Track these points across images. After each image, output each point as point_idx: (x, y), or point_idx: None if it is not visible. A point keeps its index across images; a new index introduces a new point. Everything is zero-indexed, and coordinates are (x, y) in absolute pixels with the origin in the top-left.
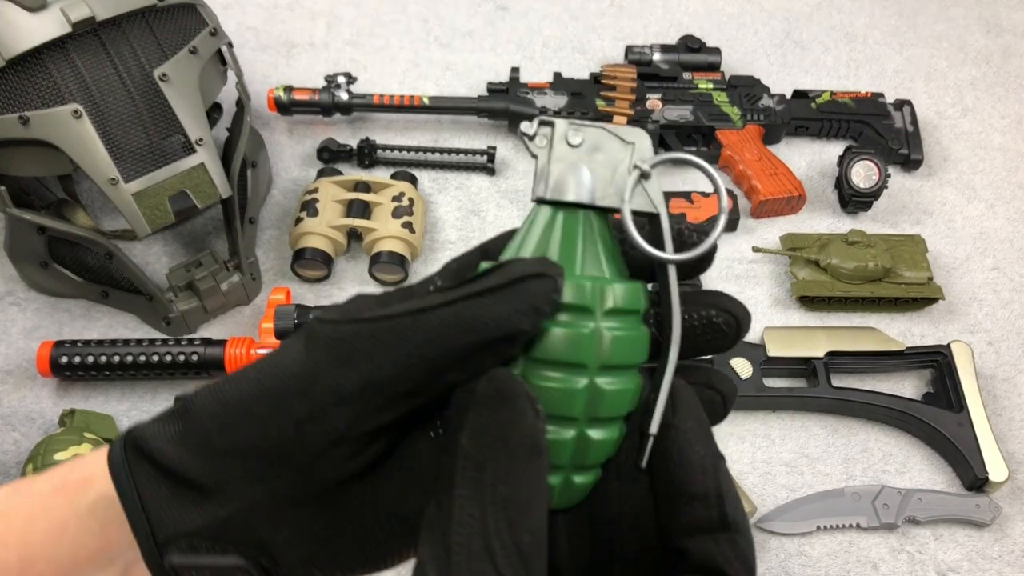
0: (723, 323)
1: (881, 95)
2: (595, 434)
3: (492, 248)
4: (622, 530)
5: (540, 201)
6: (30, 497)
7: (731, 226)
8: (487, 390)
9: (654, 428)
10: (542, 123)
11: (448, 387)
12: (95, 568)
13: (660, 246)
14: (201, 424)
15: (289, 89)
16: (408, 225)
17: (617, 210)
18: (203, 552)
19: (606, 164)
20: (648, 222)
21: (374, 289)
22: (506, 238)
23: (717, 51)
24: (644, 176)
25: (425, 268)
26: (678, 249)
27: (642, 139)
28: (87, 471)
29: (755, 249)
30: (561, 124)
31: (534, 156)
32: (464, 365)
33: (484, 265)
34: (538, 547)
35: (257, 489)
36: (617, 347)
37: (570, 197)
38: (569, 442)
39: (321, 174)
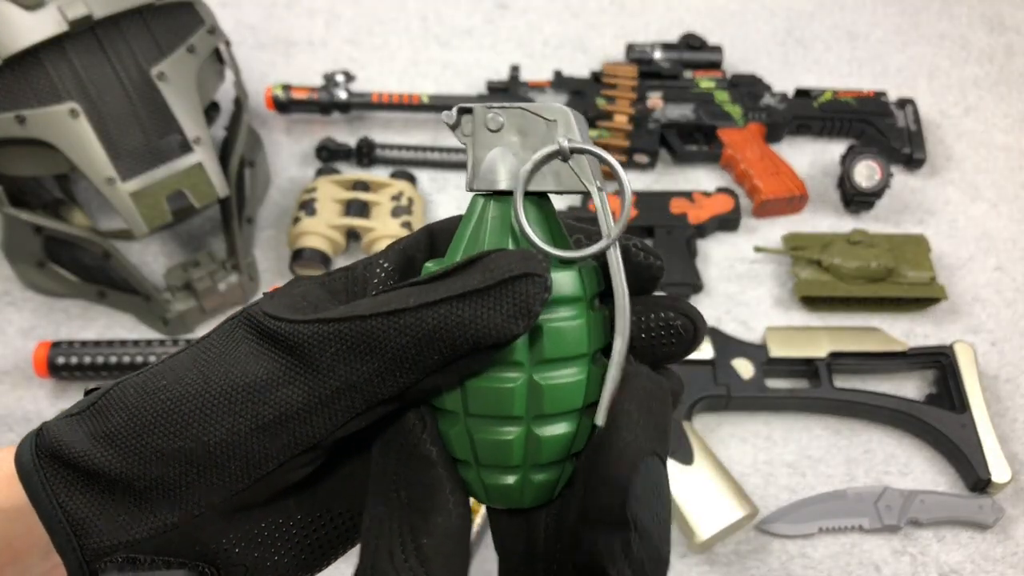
0: (681, 327)
1: (884, 94)
2: (544, 431)
3: (438, 230)
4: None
5: (471, 191)
6: None
7: (732, 226)
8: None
9: (600, 419)
10: (461, 111)
11: (428, 394)
12: (39, 557)
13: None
14: (137, 423)
15: (287, 88)
16: (407, 225)
17: (564, 192)
18: (145, 567)
19: (529, 146)
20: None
21: None
22: (453, 221)
23: (719, 49)
24: (560, 156)
25: None
26: (628, 269)
27: (564, 115)
28: None
29: (757, 249)
30: (479, 110)
31: (463, 145)
32: (449, 371)
33: (431, 267)
34: (443, 550)
35: (208, 495)
36: (552, 340)
37: (495, 186)
38: (515, 442)
39: (319, 173)
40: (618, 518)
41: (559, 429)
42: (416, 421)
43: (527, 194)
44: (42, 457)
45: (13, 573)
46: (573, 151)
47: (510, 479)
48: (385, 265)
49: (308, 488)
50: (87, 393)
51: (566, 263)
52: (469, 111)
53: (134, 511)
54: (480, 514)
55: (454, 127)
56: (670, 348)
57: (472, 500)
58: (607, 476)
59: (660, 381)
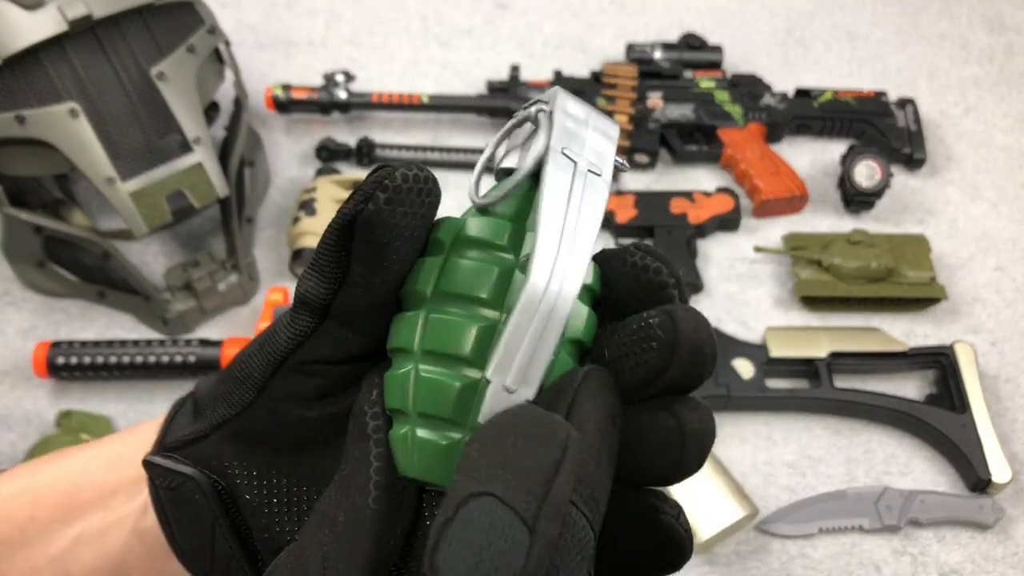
0: (657, 325)
1: (884, 94)
2: (431, 369)
3: None
4: None
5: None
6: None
7: (732, 226)
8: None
9: (489, 372)
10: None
11: (374, 321)
12: (124, 499)
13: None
14: (230, 370)
15: (287, 87)
16: None
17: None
18: (169, 458)
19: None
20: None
21: None
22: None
23: (719, 49)
24: (528, 120)
25: None
26: (628, 274)
27: (554, 94)
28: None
29: (757, 249)
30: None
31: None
32: (362, 268)
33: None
34: (351, 531)
35: (226, 408)
36: (451, 273)
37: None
38: (451, 382)
39: (319, 173)
40: (426, 570)
41: (447, 376)
42: (367, 392)
43: (505, 172)
44: (193, 392)
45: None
46: (539, 112)
47: (443, 439)
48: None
49: (305, 459)
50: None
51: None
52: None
53: (193, 420)
54: None
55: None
56: (648, 359)
57: None
58: (431, 526)
59: (536, 416)
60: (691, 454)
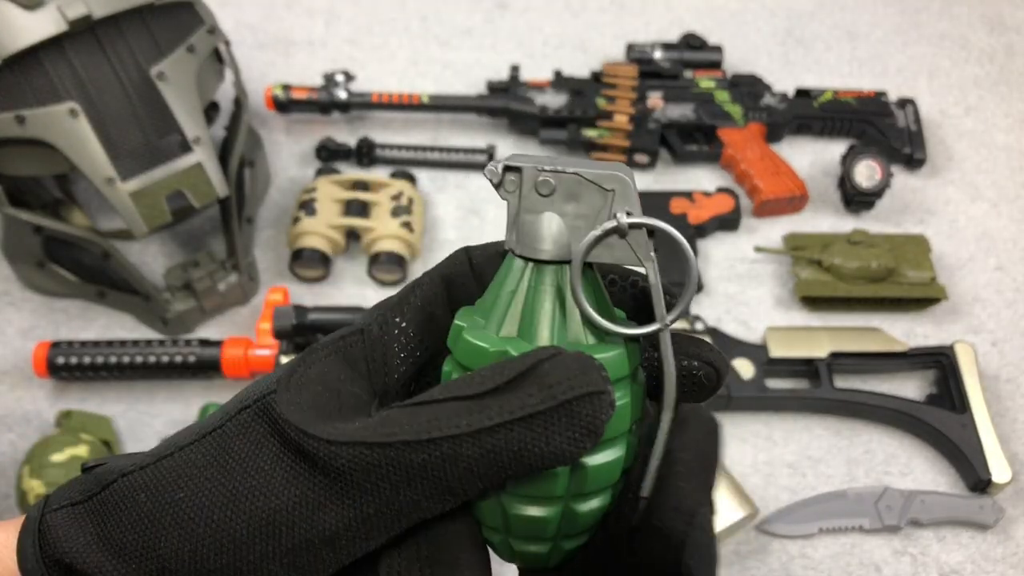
0: (704, 376)
1: (884, 94)
2: (582, 507)
3: (452, 277)
4: None
5: (513, 253)
6: None
7: (732, 226)
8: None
9: (646, 491)
10: (507, 168)
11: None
12: None
13: (649, 304)
14: (151, 541)
15: (287, 87)
16: (407, 225)
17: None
18: None
19: (581, 214)
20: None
21: (373, 289)
22: (463, 265)
23: (719, 49)
24: (619, 232)
25: (424, 267)
26: (684, 380)
27: (622, 185)
28: None
29: (757, 249)
30: (529, 171)
31: (504, 200)
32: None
33: (467, 335)
34: None
35: None
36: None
37: (541, 256)
38: (551, 519)
39: (319, 173)
40: (672, 571)
41: (596, 504)
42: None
43: (558, 263)
44: (50, 566)
45: None
46: (632, 227)
47: (541, 548)
48: (403, 326)
49: None
50: (85, 470)
51: (615, 337)
52: (517, 170)
53: None
54: None
55: (498, 185)
56: (690, 396)
57: None
58: (662, 529)
59: (711, 422)
60: (722, 382)
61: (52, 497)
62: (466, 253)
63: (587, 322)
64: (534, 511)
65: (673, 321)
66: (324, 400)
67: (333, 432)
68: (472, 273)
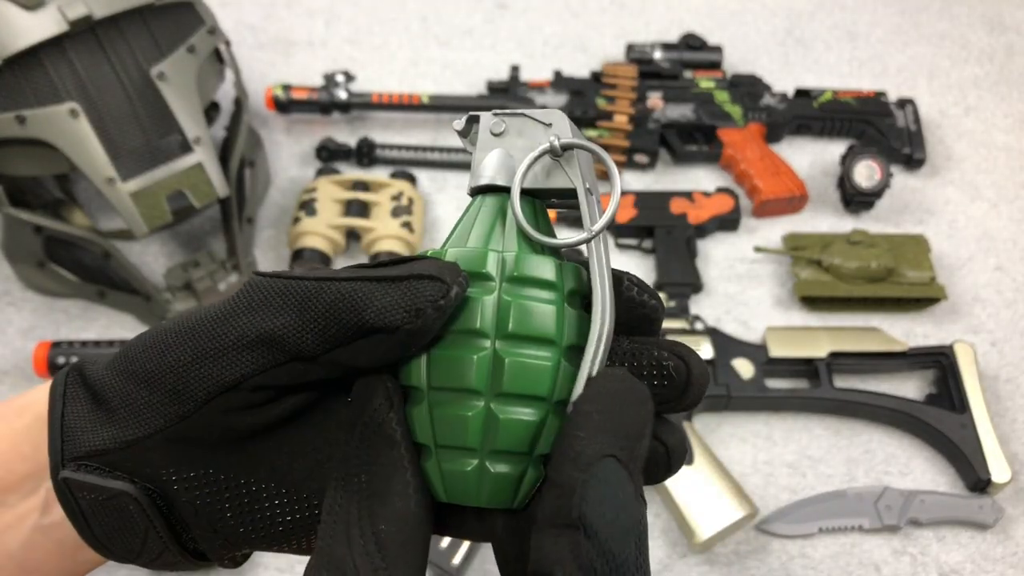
0: (672, 368)
1: (883, 94)
2: (505, 411)
3: None
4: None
5: (473, 193)
6: None
7: (732, 226)
8: (357, 384)
9: (574, 394)
10: (471, 119)
11: (345, 369)
12: (20, 496)
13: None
14: (129, 349)
15: (287, 88)
16: (407, 225)
17: (555, 191)
18: (93, 473)
19: (527, 147)
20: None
21: None
22: None
23: (719, 49)
24: (553, 153)
25: None
26: (620, 304)
27: (559, 119)
28: (30, 398)
29: (757, 249)
30: (485, 116)
31: (468, 150)
32: (353, 348)
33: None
34: (400, 537)
35: (156, 419)
36: (519, 314)
37: (493, 181)
38: (473, 419)
39: (320, 173)
40: (565, 520)
41: (520, 414)
42: (383, 400)
43: (522, 192)
44: (71, 374)
45: (32, 483)
46: (564, 148)
47: (467, 465)
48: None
49: (248, 452)
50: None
51: (547, 251)
52: (476, 118)
53: (104, 423)
54: None
55: (463, 134)
56: (661, 391)
57: None
58: (557, 478)
59: (633, 384)
60: (675, 467)
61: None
62: None
63: (523, 237)
64: (457, 407)
65: (599, 231)
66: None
67: (275, 272)
68: None
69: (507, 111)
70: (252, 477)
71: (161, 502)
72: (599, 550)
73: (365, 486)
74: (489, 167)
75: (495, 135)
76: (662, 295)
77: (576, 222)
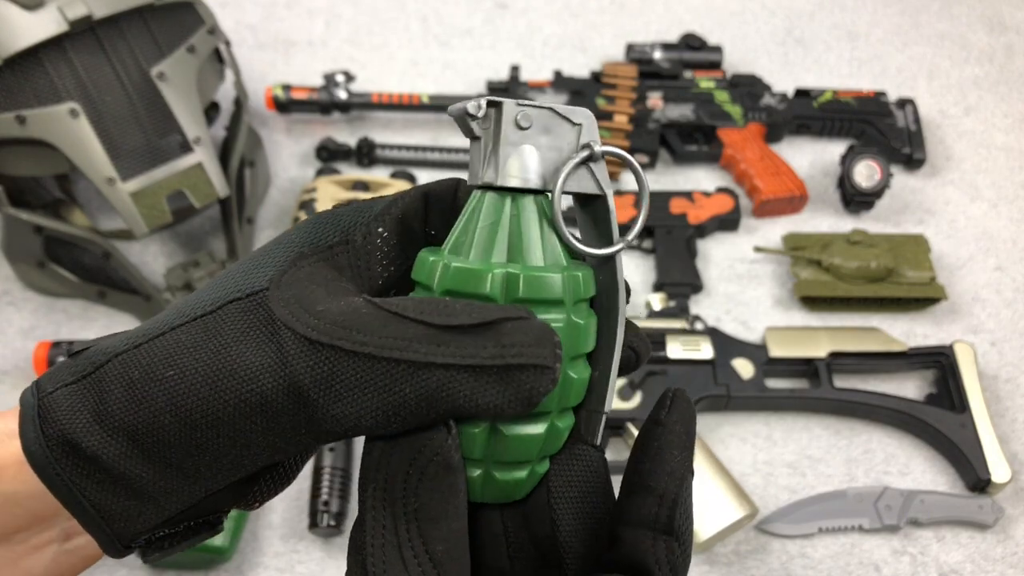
0: (623, 359)
1: (883, 94)
2: (562, 422)
3: (433, 194)
4: (565, 515)
5: (487, 187)
6: None
7: (732, 226)
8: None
9: (608, 407)
10: (490, 103)
11: None
12: (30, 534)
13: (607, 229)
14: (145, 417)
15: (287, 88)
16: None
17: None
18: (171, 540)
19: (554, 146)
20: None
21: None
22: (448, 185)
23: (719, 49)
24: (591, 159)
25: None
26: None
27: (588, 119)
28: None
29: (757, 249)
30: (509, 106)
31: (476, 138)
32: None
33: (428, 257)
34: (453, 554)
35: (212, 481)
36: (584, 336)
37: (522, 183)
38: (541, 436)
39: (319, 173)
40: (665, 527)
41: (569, 420)
42: (446, 434)
43: (537, 193)
44: (52, 446)
45: (39, 528)
46: (605, 155)
47: (522, 473)
48: (385, 236)
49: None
50: (71, 354)
51: (582, 260)
52: (498, 104)
53: (152, 499)
54: None
55: (479, 119)
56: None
57: None
58: (658, 488)
59: (691, 404)
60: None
61: (43, 381)
62: (457, 182)
63: (563, 245)
64: (528, 430)
65: (629, 243)
66: (311, 291)
67: (314, 327)
68: (454, 201)
69: (532, 103)
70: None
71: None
72: (684, 554)
73: (414, 509)
74: (520, 167)
75: (521, 128)
76: (662, 295)
77: (570, 222)
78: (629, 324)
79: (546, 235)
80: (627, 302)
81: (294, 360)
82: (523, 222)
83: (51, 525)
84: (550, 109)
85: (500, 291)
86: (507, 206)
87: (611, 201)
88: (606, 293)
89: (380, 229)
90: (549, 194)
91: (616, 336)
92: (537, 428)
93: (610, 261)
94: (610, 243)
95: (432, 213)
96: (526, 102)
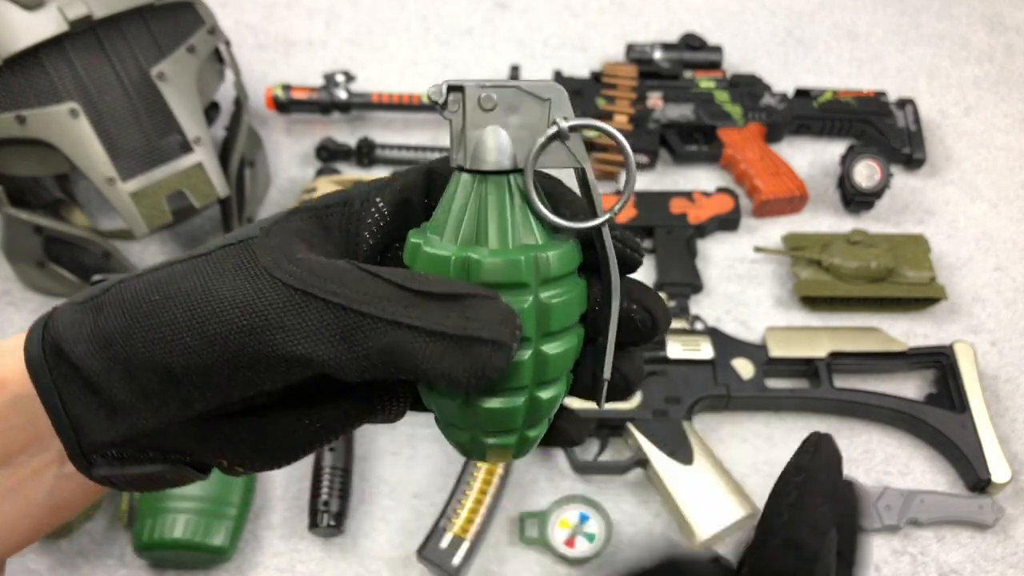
0: (639, 321)
1: (883, 94)
2: (544, 394)
3: (437, 171)
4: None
5: (460, 169)
6: None
7: (732, 226)
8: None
9: (607, 374)
10: (451, 88)
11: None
12: (29, 455)
13: (590, 202)
14: (127, 332)
15: (287, 88)
16: None
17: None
18: (129, 463)
19: (524, 124)
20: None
21: None
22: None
23: (719, 49)
24: (559, 136)
25: None
26: (619, 256)
27: (558, 93)
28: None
29: (757, 249)
30: (472, 88)
31: (448, 121)
32: (398, 379)
33: (413, 239)
34: None
35: (177, 410)
36: (558, 313)
37: (490, 166)
38: (520, 409)
39: (320, 173)
40: None
41: (555, 391)
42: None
43: (511, 172)
44: (48, 352)
45: (38, 447)
46: (572, 129)
47: (510, 439)
48: (381, 206)
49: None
50: (93, 282)
51: (562, 234)
52: (459, 89)
53: (117, 415)
54: (480, 513)
55: (442, 106)
56: (625, 337)
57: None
58: (797, 538)
59: (839, 457)
60: (636, 385)
61: (63, 302)
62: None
63: (539, 222)
64: (503, 403)
65: (614, 215)
66: (295, 246)
67: (292, 273)
68: None
69: (496, 81)
70: (279, 424)
71: (191, 462)
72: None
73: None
74: (490, 149)
75: (485, 110)
76: (662, 295)
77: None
78: (647, 290)
79: (518, 214)
80: (634, 271)
81: (267, 300)
82: (490, 204)
83: (48, 445)
84: (515, 87)
85: (460, 276)
86: (475, 188)
87: (590, 174)
88: (604, 264)
89: (378, 199)
90: (521, 172)
91: (611, 306)
92: (513, 401)
93: (600, 233)
94: (594, 215)
95: (435, 189)
96: (490, 81)
